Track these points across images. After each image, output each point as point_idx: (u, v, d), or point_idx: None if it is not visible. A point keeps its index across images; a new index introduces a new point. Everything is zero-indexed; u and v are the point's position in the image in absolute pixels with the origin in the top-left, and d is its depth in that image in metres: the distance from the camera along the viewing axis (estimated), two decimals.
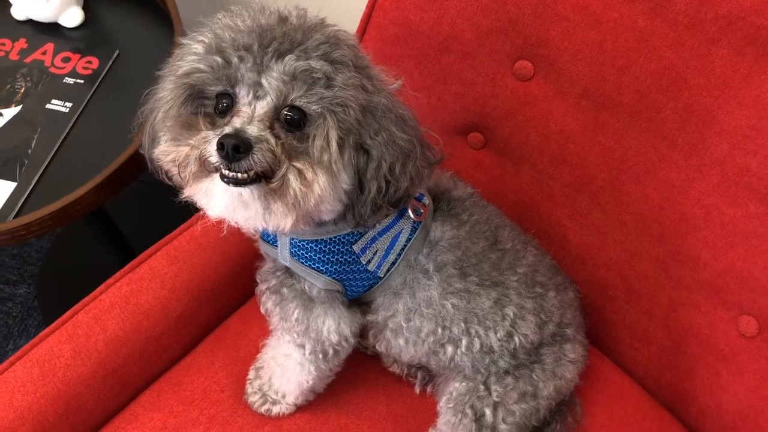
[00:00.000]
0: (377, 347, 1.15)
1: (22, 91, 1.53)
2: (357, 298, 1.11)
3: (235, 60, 0.82)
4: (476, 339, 1.07)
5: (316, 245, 1.00)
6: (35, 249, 2.20)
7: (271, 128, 0.82)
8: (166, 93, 0.87)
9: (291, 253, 1.02)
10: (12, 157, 1.42)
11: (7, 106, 1.50)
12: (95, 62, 1.57)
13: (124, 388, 1.24)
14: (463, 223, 1.08)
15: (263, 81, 0.82)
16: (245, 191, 0.82)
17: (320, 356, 1.12)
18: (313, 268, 1.02)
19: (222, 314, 1.36)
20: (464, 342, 1.07)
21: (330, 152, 0.83)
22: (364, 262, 1.03)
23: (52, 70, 1.56)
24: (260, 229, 0.96)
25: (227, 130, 0.81)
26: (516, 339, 1.08)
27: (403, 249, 1.05)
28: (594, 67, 1.13)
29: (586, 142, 1.18)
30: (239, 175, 0.81)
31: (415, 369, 1.24)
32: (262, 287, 1.10)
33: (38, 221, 1.33)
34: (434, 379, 1.23)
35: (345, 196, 0.89)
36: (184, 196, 0.91)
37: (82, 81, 1.54)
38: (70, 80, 1.54)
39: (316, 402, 1.24)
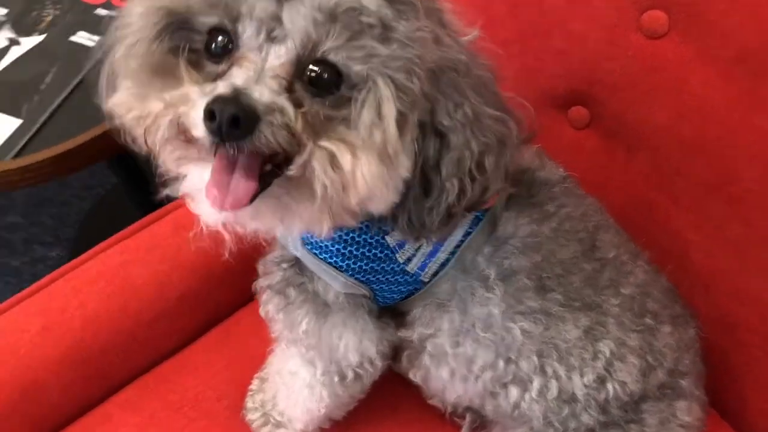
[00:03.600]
0: (412, 377, 0.85)
1: (49, 19, 1.34)
2: (391, 306, 0.82)
3: None
4: (553, 381, 0.78)
5: (336, 232, 0.73)
6: (75, 210, 2.03)
7: (290, 90, 0.57)
8: (134, 19, 0.61)
9: (303, 240, 0.75)
10: (22, 91, 1.23)
11: (29, 34, 1.32)
12: None
13: (99, 381, 1.01)
14: (549, 217, 0.78)
15: (284, 16, 0.56)
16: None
17: (336, 379, 0.84)
18: (331, 264, 0.75)
19: (234, 303, 1.11)
20: (536, 384, 0.78)
21: (384, 131, 0.57)
22: (401, 261, 0.75)
23: None
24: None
25: (221, 88, 0.55)
26: (609, 387, 0.78)
27: (458, 246, 0.76)
28: (760, 20, 0.80)
29: (734, 124, 0.87)
30: None
31: (463, 409, 0.94)
32: (262, 283, 0.83)
33: (35, 166, 1.12)
34: (488, 425, 0.92)
35: (403, 186, 0.63)
36: (160, 190, 0.66)
37: (115, 14, 1.32)
38: (103, 11, 1.35)
39: (331, 430, 0.96)
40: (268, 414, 0.96)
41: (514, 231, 0.76)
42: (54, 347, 0.96)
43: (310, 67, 0.58)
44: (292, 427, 0.94)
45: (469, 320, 0.77)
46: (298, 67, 0.57)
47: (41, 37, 1.30)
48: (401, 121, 0.58)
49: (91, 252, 1.02)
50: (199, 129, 0.55)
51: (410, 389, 0.93)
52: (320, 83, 0.58)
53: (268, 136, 0.54)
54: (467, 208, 0.67)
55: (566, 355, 0.77)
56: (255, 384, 1.00)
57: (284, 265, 0.80)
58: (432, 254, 0.76)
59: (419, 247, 0.75)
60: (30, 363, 0.94)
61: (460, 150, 0.62)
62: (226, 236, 0.63)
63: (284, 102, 0.56)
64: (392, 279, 0.77)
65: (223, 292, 1.07)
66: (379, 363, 0.83)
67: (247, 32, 0.58)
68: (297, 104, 0.56)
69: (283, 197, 0.59)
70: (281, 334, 0.84)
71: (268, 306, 0.82)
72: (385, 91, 0.57)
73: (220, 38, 0.60)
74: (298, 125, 0.56)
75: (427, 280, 0.78)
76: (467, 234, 0.76)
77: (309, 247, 0.75)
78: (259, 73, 0.56)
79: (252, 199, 0.57)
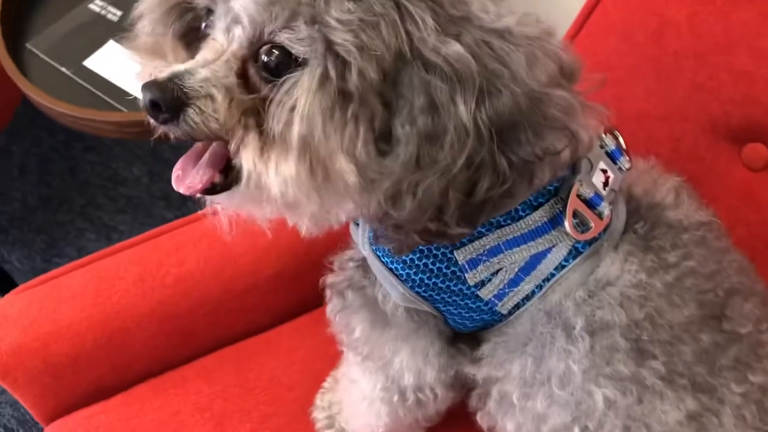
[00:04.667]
0: (479, 419, 0.74)
1: None
2: (470, 333, 0.72)
3: None
4: None
5: None
6: None
7: (243, 75, 0.55)
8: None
9: (369, 239, 0.67)
10: None
11: None
12: None
13: (182, 341, 0.99)
14: (666, 267, 0.63)
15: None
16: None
17: (395, 398, 0.75)
18: (392, 270, 0.66)
19: None
20: None
21: (304, 126, 0.51)
22: (471, 283, 0.64)
23: None
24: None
25: (161, 73, 0.55)
26: None
27: (548, 279, 0.63)
28: None
29: None
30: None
31: None
32: (329, 279, 0.76)
33: None
34: None
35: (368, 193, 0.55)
36: None
37: None
38: None
39: None
40: (334, 417, 0.89)
41: (618, 276, 0.63)
42: (144, 298, 0.95)
43: (262, 49, 0.54)
44: None
45: (544, 372, 0.65)
46: (252, 50, 0.54)
47: None
48: (332, 116, 0.51)
49: (200, 213, 1.01)
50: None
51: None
52: (272, 67, 0.54)
53: (197, 121, 0.53)
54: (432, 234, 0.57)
55: None
56: (329, 382, 0.94)
57: (351, 264, 0.73)
58: (513, 283, 0.65)
59: (497, 272, 0.64)
60: (121, 310, 0.95)
61: (408, 169, 0.52)
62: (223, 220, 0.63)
63: (212, 89, 0.54)
64: (461, 302, 0.66)
65: (319, 278, 1.02)
66: (440, 392, 0.73)
67: (217, 13, 0.56)
68: (246, 88, 0.54)
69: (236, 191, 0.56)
70: (339, 338, 0.76)
71: (329, 306, 0.75)
72: (307, 79, 0.51)
73: (210, 21, 0.58)
74: (225, 113, 0.53)
75: (505, 312, 0.67)
76: (562, 266, 0.64)
77: (374, 249, 0.67)
78: (219, 54, 0.55)
79: (214, 188, 0.57)
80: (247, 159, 0.53)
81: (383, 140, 0.53)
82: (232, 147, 0.54)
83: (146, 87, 0.53)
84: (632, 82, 0.90)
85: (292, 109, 0.51)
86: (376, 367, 0.74)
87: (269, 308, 1.02)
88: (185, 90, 0.53)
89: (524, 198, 0.62)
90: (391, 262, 0.66)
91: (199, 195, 0.58)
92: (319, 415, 0.91)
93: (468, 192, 0.53)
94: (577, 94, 0.57)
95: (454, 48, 0.51)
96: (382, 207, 0.54)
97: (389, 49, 0.50)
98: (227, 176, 0.56)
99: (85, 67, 1.20)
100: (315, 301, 1.04)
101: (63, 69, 1.20)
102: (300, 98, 0.51)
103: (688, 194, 0.69)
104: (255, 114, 0.54)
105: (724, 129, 0.85)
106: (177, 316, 0.97)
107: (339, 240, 0.89)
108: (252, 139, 0.53)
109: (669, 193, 0.68)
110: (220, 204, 0.61)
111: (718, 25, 0.82)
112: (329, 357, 0.97)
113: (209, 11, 0.57)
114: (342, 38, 0.50)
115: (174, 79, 0.53)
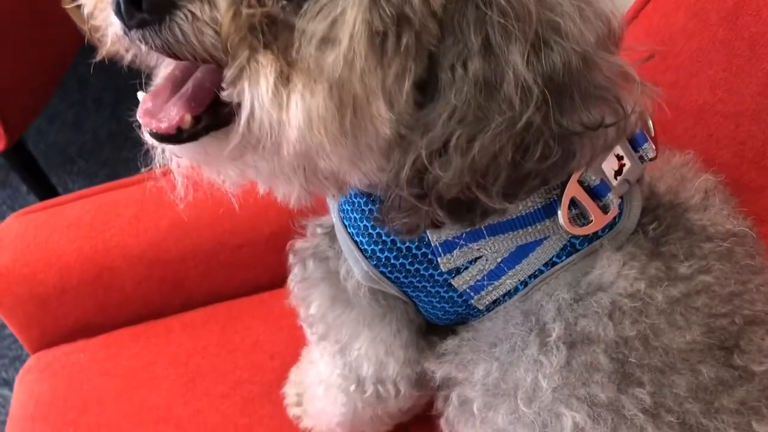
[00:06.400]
0: (442, 424, 0.64)
1: None
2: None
3: None
4: None
5: (368, 204, 0.56)
6: None
7: None
8: None
9: (339, 206, 0.59)
10: None
11: None
12: None
13: (172, 289, 0.95)
14: (674, 279, 0.52)
15: None
16: None
17: (352, 387, 0.67)
18: (356, 243, 0.57)
19: None
20: None
21: (343, 53, 0.40)
22: (443, 270, 0.55)
23: None
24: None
25: None
26: None
27: (535, 276, 0.54)
28: None
29: None
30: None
31: None
32: (296, 245, 0.67)
33: None
34: None
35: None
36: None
37: None
38: None
39: None
40: (301, 396, 0.82)
41: (611, 282, 0.52)
42: (137, 238, 0.91)
43: None
44: (313, 422, 0.79)
45: (510, 382, 0.55)
46: None
47: None
48: (382, 45, 0.39)
49: None
50: (113, 15, 0.43)
51: None
52: None
53: (186, 30, 0.41)
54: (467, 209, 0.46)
55: None
56: (304, 354, 0.86)
57: (320, 231, 0.64)
58: (494, 275, 0.55)
59: (475, 260, 0.54)
60: (112, 247, 0.91)
61: (450, 111, 0.42)
62: (177, 178, 0.51)
63: None
64: (431, 290, 0.57)
65: None
66: (403, 388, 0.64)
67: None
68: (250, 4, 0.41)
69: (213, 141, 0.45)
70: (297, 311, 0.69)
71: (290, 274, 0.67)
72: None
73: None
74: (230, 25, 0.41)
75: (482, 308, 0.57)
76: (554, 263, 0.54)
77: (343, 217, 0.59)
78: None
79: (186, 135, 0.45)
80: (255, 88, 0.41)
81: (418, 89, 0.44)
82: (230, 73, 0.42)
83: None
84: (696, 69, 0.77)
85: (335, 21, 0.40)
86: (333, 351, 0.66)
87: (263, 267, 0.95)
88: None
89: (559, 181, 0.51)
90: (357, 234, 0.57)
91: (158, 143, 0.46)
92: (289, 390, 0.84)
93: (517, 159, 0.44)
94: (630, 64, 0.47)
95: None
96: (419, 166, 0.44)
97: None
98: (214, 116, 0.45)
99: None
100: None
101: None
102: (347, 10, 0.40)
103: (722, 198, 0.57)
104: (266, 33, 0.42)
105: None
106: (169, 261, 0.92)
107: None
108: (264, 61, 0.41)
109: (697, 193, 0.56)
110: (183, 157, 0.48)
111: None
112: None
113: None
114: None
115: None
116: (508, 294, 0.56)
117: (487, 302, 0.57)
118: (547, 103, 0.42)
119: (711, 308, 0.52)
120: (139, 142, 0.49)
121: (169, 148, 0.47)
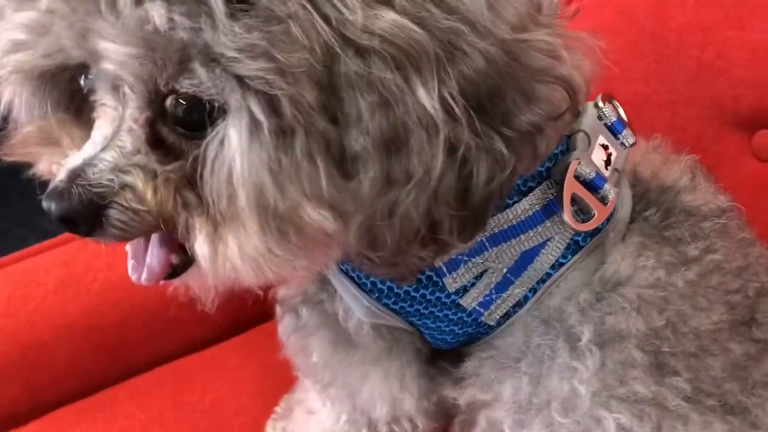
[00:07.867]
0: None
1: None
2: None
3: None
4: None
5: None
6: None
7: (156, 140, 0.44)
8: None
9: None
10: None
11: None
12: None
13: (111, 358, 0.87)
14: (687, 262, 0.53)
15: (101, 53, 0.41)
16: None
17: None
18: (353, 279, 0.55)
19: None
20: None
21: (239, 192, 0.40)
22: (451, 290, 0.53)
23: None
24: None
25: (58, 174, 0.44)
26: None
27: (543, 281, 0.53)
28: None
29: None
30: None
31: None
32: (279, 293, 0.64)
33: None
34: None
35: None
36: None
37: None
38: None
39: None
40: None
41: (631, 275, 0.52)
42: (66, 307, 0.83)
43: (167, 102, 0.42)
44: None
45: (543, 395, 0.53)
46: (154, 107, 0.42)
47: None
48: (286, 163, 0.39)
49: None
50: None
51: None
52: (187, 119, 0.42)
53: (124, 219, 0.43)
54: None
55: None
56: (281, 407, 0.81)
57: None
58: (501, 288, 0.54)
59: (481, 275, 0.52)
60: (37, 321, 0.82)
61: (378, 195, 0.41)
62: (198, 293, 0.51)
63: (127, 175, 0.43)
64: (439, 314, 0.55)
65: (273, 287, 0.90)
66: (420, 423, 0.61)
67: (94, 73, 0.44)
68: (172, 154, 0.43)
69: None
70: (294, 362, 0.64)
71: (281, 326, 0.63)
72: (234, 133, 0.39)
73: (89, 78, 0.45)
74: (153, 200, 0.43)
75: (493, 323, 0.55)
76: (560, 264, 0.53)
77: None
78: (118, 124, 0.43)
79: (175, 271, 0.47)
80: (200, 245, 0.43)
81: (339, 168, 0.41)
82: (179, 234, 0.44)
83: (48, 199, 0.43)
84: (629, 62, 0.80)
85: (229, 176, 0.40)
86: (340, 396, 0.62)
87: (214, 321, 0.88)
88: (94, 190, 0.42)
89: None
90: (352, 269, 0.54)
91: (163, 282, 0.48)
92: None
93: (462, 196, 0.42)
94: (557, 27, 0.45)
95: (389, 18, 0.38)
96: (369, 233, 0.42)
97: (313, 51, 0.38)
98: (186, 253, 0.45)
99: None
100: (267, 312, 0.92)
101: None
102: (234, 161, 0.40)
103: (704, 176, 0.59)
104: (192, 185, 0.43)
105: (733, 115, 0.76)
106: (105, 328, 0.84)
107: None
108: (198, 220, 0.43)
109: (683, 175, 0.58)
110: (191, 283, 0.49)
111: None
112: (283, 376, 0.84)
113: (84, 67, 0.44)
114: (252, 69, 0.37)
115: (76, 180, 0.42)
116: (518, 304, 0.55)
117: (498, 316, 0.55)
118: (472, 119, 0.40)
119: (726, 285, 0.53)
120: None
121: (178, 281, 0.49)
